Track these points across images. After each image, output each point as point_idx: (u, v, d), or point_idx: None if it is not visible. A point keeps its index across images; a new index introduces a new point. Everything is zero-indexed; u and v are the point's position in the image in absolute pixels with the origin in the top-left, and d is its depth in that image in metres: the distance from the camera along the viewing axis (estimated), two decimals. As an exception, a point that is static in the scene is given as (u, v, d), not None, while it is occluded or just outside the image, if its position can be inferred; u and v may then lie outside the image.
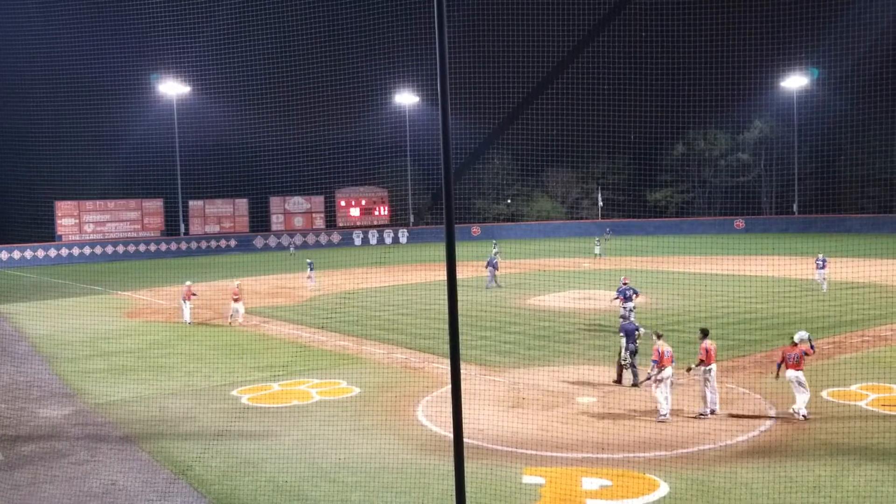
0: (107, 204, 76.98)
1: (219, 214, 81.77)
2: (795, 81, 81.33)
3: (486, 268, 39.52)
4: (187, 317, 30.79)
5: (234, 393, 19.34)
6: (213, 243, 78.11)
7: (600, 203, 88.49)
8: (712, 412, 16.13)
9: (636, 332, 18.76)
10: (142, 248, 74.71)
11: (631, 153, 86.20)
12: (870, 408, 16.44)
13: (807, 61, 76.32)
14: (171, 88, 74.41)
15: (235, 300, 30.57)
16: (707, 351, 16.19)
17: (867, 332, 24.63)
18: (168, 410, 18.07)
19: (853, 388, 17.87)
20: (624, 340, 18.78)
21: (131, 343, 27.18)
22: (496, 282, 39.13)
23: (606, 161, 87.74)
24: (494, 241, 58.32)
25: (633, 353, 18.60)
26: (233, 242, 78.82)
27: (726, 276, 38.29)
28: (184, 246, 76.74)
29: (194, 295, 31.36)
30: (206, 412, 17.81)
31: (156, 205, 79.26)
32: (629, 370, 18.65)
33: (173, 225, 78.95)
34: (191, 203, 79.69)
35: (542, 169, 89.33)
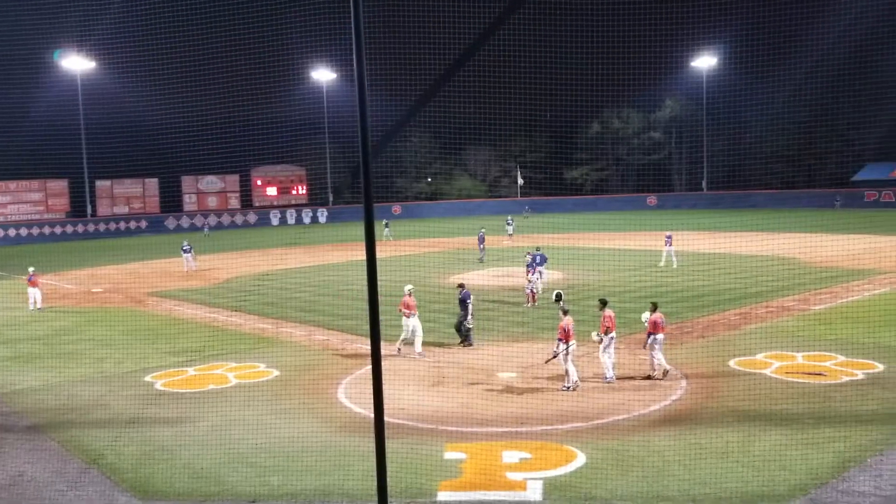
0: (8, 185, 73.49)
1: (128, 195, 79.07)
2: (705, 61, 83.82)
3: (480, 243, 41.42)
4: (36, 303, 29.83)
5: (148, 378, 18.79)
6: (123, 224, 75.60)
7: (520, 181, 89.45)
8: (609, 379, 16.84)
9: (468, 301, 20.70)
10: (46, 230, 71.68)
11: (548, 132, 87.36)
12: (775, 375, 17.20)
13: (716, 41, 78.69)
14: (75, 64, 71.20)
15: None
16: (611, 318, 16.89)
17: (772, 304, 25.72)
18: (78, 398, 17.44)
19: (759, 356, 18.65)
20: (462, 308, 20.65)
21: (37, 329, 26.07)
22: (484, 255, 40.77)
23: (524, 140, 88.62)
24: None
25: (465, 317, 20.56)
26: (143, 223, 76.41)
27: (639, 252, 39.30)
28: (91, 228, 74.04)
29: (36, 285, 30.29)
30: (118, 399, 17.27)
31: (60, 185, 76.05)
32: (464, 331, 20.66)
33: (79, 206, 75.94)
34: (98, 183, 76.78)
35: (462, 147, 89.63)
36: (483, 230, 42.28)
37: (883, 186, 74.71)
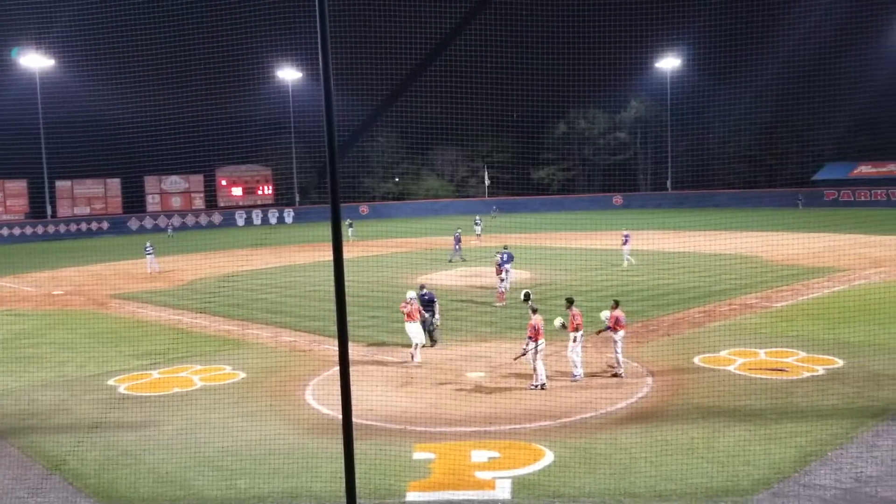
0: (-36, 186, 71.95)
1: (89, 195, 77.78)
2: (669, 63, 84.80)
3: (456, 243, 41.12)
4: None
5: (111, 382, 18.50)
6: (84, 226, 74.32)
7: (487, 181, 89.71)
8: (576, 377, 16.98)
9: (436, 300, 21.05)
10: (4, 231, 70.27)
11: (515, 132, 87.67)
12: (738, 372, 17.44)
13: (679, 43, 79.69)
14: (34, 62, 69.84)
15: None
16: (578, 317, 17.08)
17: (734, 301, 26.09)
18: (38, 403, 17.10)
19: (723, 353, 18.91)
20: (428, 309, 20.67)
21: (-5, 333, 25.53)
22: (461, 255, 40.56)
23: (492, 140, 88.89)
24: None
25: (432, 316, 20.68)
26: (105, 224, 75.21)
27: (605, 251, 39.62)
28: (51, 229, 72.69)
29: None
30: (80, 403, 16.97)
31: (19, 186, 74.60)
32: (430, 333, 20.66)
33: (39, 207, 74.49)
34: (58, 183, 75.39)
35: (430, 147, 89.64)
36: (459, 230, 42.23)
37: (841, 186, 76.27)
